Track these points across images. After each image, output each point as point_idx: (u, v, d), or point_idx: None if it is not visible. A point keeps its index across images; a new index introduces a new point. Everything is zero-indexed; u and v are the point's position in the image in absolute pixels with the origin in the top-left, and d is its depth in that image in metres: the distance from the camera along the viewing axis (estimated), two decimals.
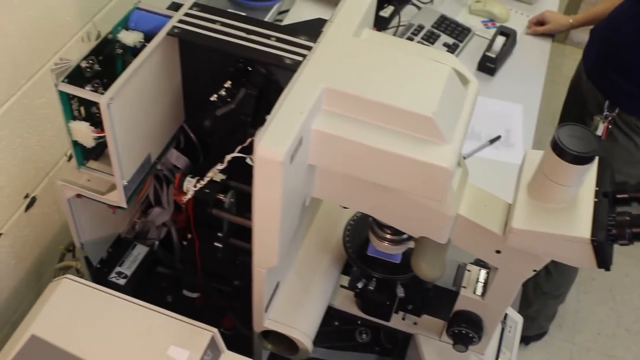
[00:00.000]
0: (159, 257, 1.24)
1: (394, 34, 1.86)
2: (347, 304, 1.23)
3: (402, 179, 0.88)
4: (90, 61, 0.91)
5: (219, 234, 1.02)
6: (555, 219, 0.91)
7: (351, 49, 0.93)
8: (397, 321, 1.23)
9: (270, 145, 0.79)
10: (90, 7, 1.27)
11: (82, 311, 0.95)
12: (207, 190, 0.96)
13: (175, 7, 1.09)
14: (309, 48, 0.92)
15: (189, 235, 1.25)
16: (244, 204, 1.03)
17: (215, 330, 0.93)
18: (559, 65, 1.91)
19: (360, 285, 1.16)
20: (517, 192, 0.94)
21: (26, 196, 1.26)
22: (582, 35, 2.66)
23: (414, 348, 1.24)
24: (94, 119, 0.96)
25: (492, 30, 1.96)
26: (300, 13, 1.00)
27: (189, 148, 1.12)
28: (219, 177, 0.94)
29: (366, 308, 1.22)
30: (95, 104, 0.93)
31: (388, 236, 1.08)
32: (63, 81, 0.87)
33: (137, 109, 0.92)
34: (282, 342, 1.10)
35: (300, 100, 0.85)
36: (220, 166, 0.91)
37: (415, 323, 1.23)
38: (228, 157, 0.89)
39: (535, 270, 1.01)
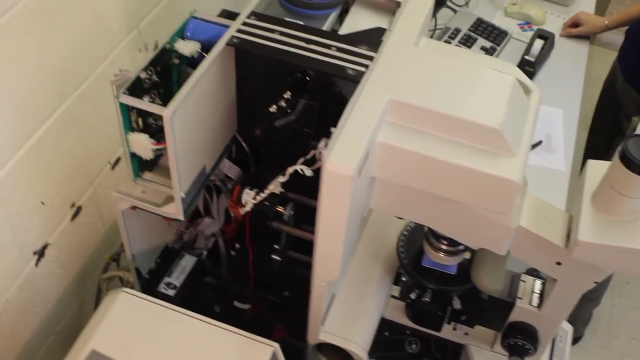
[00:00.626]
0: (206, 267, 1.22)
1: (431, 38, 1.84)
2: (397, 313, 1.22)
3: (468, 192, 0.86)
4: (149, 72, 0.90)
5: (276, 246, 1.00)
6: (623, 231, 0.89)
7: (413, 59, 0.91)
8: (448, 331, 1.21)
9: (340, 159, 0.78)
10: (136, 13, 1.26)
11: (140, 325, 0.94)
12: (266, 203, 0.94)
13: (226, 14, 1.08)
14: (370, 58, 0.90)
15: (237, 245, 1.24)
16: (301, 215, 1.02)
17: (276, 345, 0.92)
18: (587, 66, 1.88)
19: (413, 296, 1.14)
20: (581, 204, 0.92)
21: (72, 205, 1.25)
22: (611, 36, 2.63)
23: (465, 359, 1.22)
24: (150, 130, 0.95)
25: (529, 33, 1.94)
26: (356, 21, 0.98)
27: (240, 157, 1.11)
28: (277, 188, 0.92)
29: (417, 318, 1.20)
30: (152, 115, 0.92)
31: (444, 247, 1.07)
32: (124, 93, 0.86)
33: (196, 120, 0.91)
34: (336, 354, 1.08)
35: (366, 113, 0.83)
36: (281, 178, 0.89)
37: (466, 333, 1.21)
38: (290, 170, 0.88)
39: (596, 282, 1.00)
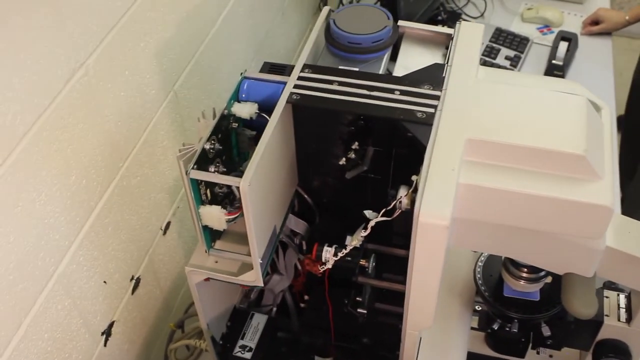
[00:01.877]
0: (277, 323, 1.20)
1: None
2: (477, 344, 1.19)
3: (557, 222, 0.83)
4: (212, 141, 0.88)
5: (359, 299, 0.98)
6: None
7: (479, 93, 0.89)
8: (532, 356, 1.18)
9: (433, 209, 0.76)
10: (169, 76, 1.24)
11: None
12: (348, 258, 0.92)
13: (269, 67, 1.06)
14: (436, 97, 0.88)
15: (306, 297, 1.21)
16: (381, 264, 1.00)
17: None
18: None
19: (495, 326, 1.11)
20: None
21: (132, 278, 1.23)
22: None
23: None
24: (217, 199, 0.93)
25: (550, 36, 1.92)
26: (409, 59, 0.96)
27: (303, 210, 1.08)
28: (358, 242, 0.89)
29: (500, 347, 1.17)
30: (219, 183, 0.90)
31: (525, 275, 1.04)
32: (193, 168, 0.84)
33: (266, 184, 0.88)
34: None
35: (446, 156, 0.81)
36: (363, 232, 0.87)
37: (550, 356, 1.18)
38: (372, 223, 0.85)
39: None
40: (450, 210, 0.75)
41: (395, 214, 0.86)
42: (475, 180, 0.81)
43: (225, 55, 1.47)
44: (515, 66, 1.84)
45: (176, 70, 1.26)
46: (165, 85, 1.23)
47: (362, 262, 0.92)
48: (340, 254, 0.91)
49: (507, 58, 1.85)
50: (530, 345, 1.15)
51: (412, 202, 0.84)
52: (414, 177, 0.82)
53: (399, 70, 0.98)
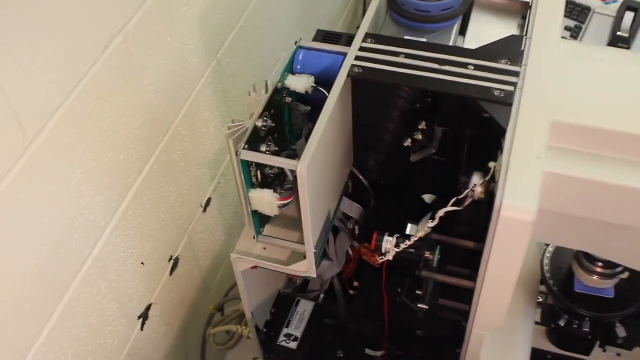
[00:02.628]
0: (324, 311, 1.12)
1: None
2: (537, 339, 1.10)
3: None
4: (265, 118, 0.79)
5: (419, 292, 0.89)
6: None
7: (564, 69, 0.79)
8: (598, 353, 1.10)
9: (517, 202, 0.66)
10: (213, 43, 1.15)
11: None
12: (412, 250, 0.83)
13: (324, 35, 0.97)
14: (516, 74, 0.78)
15: (356, 284, 1.13)
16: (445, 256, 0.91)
17: None
18: None
19: (562, 322, 1.02)
20: None
21: (170, 259, 1.16)
22: None
23: None
24: (268, 181, 0.84)
25: (614, 6, 1.79)
26: (481, 30, 0.86)
27: (357, 193, 1.00)
28: (424, 233, 0.81)
29: (564, 344, 1.09)
30: (267, 165, 0.82)
31: (599, 270, 0.95)
32: (244, 148, 0.75)
33: (323, 166, 0.80)
34: None
35: (529, 141, 0.71)
36: (431, 223, 0.78)
37: (618, 354, 1.09)
38: (441, 213, 0.76)
39: None
40: (536, 204, 0.66)
41: (466, 203, 0.77)
42: (563, 170, 0.72)
43: (270, 21, 1.38)
44: (575, 37, 1.73)
45: (220, 37, 1.18)
46: (209, 53, 1.14)
47: (427, 254, 0.84)
48: (403, 246, 0.82)
49: (567, 29, 1.73)
50: (598, 343, 1.06)
51: (487, 191, 0.75)
52: (491, 164, 0.73)
53: (471, 43, 0.89)
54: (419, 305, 0.87)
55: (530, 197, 0.67)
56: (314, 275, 0.85)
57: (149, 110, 0.99)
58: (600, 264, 0.94)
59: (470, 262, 0.85)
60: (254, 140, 0.78)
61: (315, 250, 0.84)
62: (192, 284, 1.26)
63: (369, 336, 1.10)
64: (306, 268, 0.84)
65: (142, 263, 1.06)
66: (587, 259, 0.94)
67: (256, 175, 0.81)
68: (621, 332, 0.99)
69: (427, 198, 0.97)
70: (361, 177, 0.97)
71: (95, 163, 0.89)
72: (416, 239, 0.80)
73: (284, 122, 0.87)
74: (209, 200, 1.25)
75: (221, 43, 1.18)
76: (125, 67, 0.91)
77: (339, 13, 1.87)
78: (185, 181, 1.15)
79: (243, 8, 1.23)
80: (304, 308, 1.10)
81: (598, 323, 0.98)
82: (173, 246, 1.16)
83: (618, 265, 0.93)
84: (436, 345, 1.04)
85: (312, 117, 0.88)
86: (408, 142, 0.83)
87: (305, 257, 0.86)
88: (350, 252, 1.06)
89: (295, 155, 0.82)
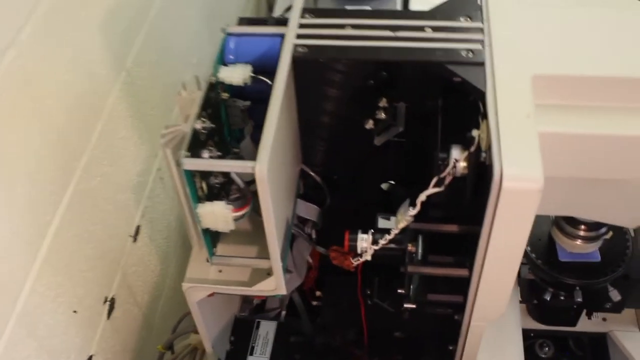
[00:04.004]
0: (289, 328, 1.01)
1: None
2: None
3: None
4: (203, 119, 0.68)
5: (401, 291, 0.79)
6: None
7: (531, 20, 0.71)
8: (584, 323, 1.03)
9: (520, 170, 0.57)
10: (119, 53, 1.02)
11: None
12: (393, 245, 0.73)
13: (247, 22, 0.86)
14: (479, 31, 0.70)
15: (318, 293, 1.03)
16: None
17: None
18: None
19: (547, 296, 0.95)
20: None
21: (105, 300, 1.01)
22: None
23: (612, 348, 1.04)
24: (214, 193, 0.72)
25: None
26: None
27: (309, 192, 0.89)
28: (404, 224, 0.71)
29: (547, 318, 1.02)
30: (213, 173, 0.70)
31: (582, 233, 0.88)
32: (186, 156, 0.63)
33: (279, 166, 0.69)
34: None
35: (515, 101, 0.63)
36: (412, 210, 0.68)
37: (604, 319, 1.03)
38: (422, 197, 0.67)
39: None
40: (541, 169, 0.57)
41: (447, 182, 0.68)
42: (556, 127, 0.64)
43: (176, 24, 1.25)
44: None
45: (126, 45, 1.04)
46: (116, 64, 1.01)
47: (410, 247, 0.74)
48: (382, 242, 0.72)
49: None
50: (585, 311, 1.00)
51: (472, 164, 0.66)
52: (474, 132, 0.64)
53: (417, 5, 0.79)
54: (405, 306, 0.77)
55: (534, 162, 0.58)
56: (284, 291, 0.74)
57: (59, 134, 0.85)
58: (582, 227, 0.87)
59: (453, 248, 0.76)
60: (195, 146, 0.66)
61: (281, 263, 0.72)
62: (133, 324, 1.12)
63: (340, 348, 0.99)
64: (274, 285, 0.73)
65: (75, 311, 0.92)
66: (569, 224, 0.87)
67: (201, 187, 0.69)
68: (615, 295, 0.92)
69: (386, 186, 0.88)
70: (312, 174, 0.86)
71: (2, 203, 0.74)
72: (397, 231, 0.70)
73: (222, 122, 0.75)
74: (138, 227, 1.11)
75: (128, 51, 1.05)
76: (22, 86, 0.76)
77: (245, 5, 1.76)
78: (110, 210, 1.01)
79: (146, 11, 1.10)
80: (266, 329, 0.99)
81: (588, 290, 0.91)
82: (106, 285, 1.02)
83: (601, 226, 0.87)
84: (420, 345, 0.94)
85: (253, 113, 0.77)
86: (370, 124, 0.73)
87: (268, 274, 0.75)
88: (310, 260, 0.95)
89: (241, 159, 0.71)
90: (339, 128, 0.78)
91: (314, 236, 0.90)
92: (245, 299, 1.02)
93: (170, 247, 1.27)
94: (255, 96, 0.75)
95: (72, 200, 0.89)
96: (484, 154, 0.62)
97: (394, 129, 0.72)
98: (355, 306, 0.98)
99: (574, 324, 1.01)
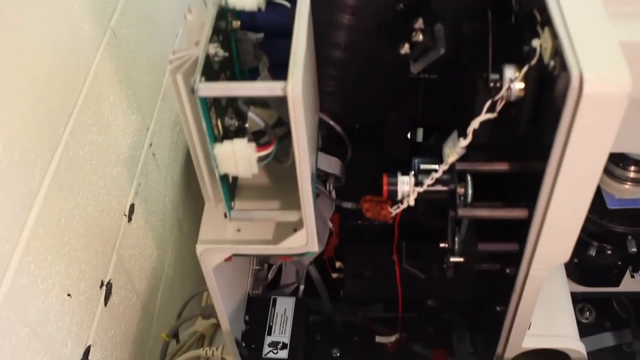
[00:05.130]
0: (310, 304, 0.91)
1: None
2: None
3: None
4: (216, 44, 0.58)
5: (444, 245, 0.69)
6: None
7: None
8: (627, 282, 0.95)
9: (602, 73, 0.48)
10: (103, 7, 0.92)
11: None
12: (438, 188, 0.63)
13: None
14: None
15: (338, 264, 0.93)
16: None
17: None
18: None
19: (592, 252, 0.86)
20: None
21: (101, 284, 0.91)
22: None
23: None
24: (229, 137, 0.63)
25: None
26: None
27: (327, 145, 0.80)
28: (454, 158, 0.61)
29: (589, 278, 0.93)
30: (227, 113, 0.61)
31: (632, 174, 0.79)
32: (201, 81, 0.53)
33: (307, 100, 0.59)
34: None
35: (582, 4, 0.54)
36: (463, 141, 0.59)
37: None
38: (474, 124, 0.57)
39: None
40: (627, 69, 0.49)
41: (498, 108, 0.59)
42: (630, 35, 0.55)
43: None
44: None
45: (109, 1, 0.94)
46: (101, 20, 0.91)
47: (460, 188, 0.64)
48: (428, 181, 0.62)
49: None
50: (631, 268, 0.91)
51: (529, 85, 0.57)
52: (535, 42, 0.55)
53: None
54: (451, 260, 0.68)
55: (617, 62, 0.49)
56: (316, 247, 0.64)
57: (41, 93, 0.75)
58: (633, 168, 0.78)
59: (498, 192, 0.67)
60: (210, 73, 0.56)
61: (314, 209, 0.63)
62: (131, 312, 1.01)
63: (364, 325, 0.90)
64: (304, 239, 0.63)
65: (69, 294, 0.81)
66: (618, 166, 0.78)
67: (217, 126, 0.59)
68: None
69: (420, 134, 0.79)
70: (332, 123, 0.77)
71: None
72: (446, 167, 0.61)
73: (233, 58, 0.65)
74: (132, 206, 1.01)
75: (112, 8, 0.94)
76: None
77: None
78: (101, 184, 0.91)
79: None
80: (284, 307, 0.89)
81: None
82: (102, 268, 0.91)
83: None
84: (457, 314, 0.85)
85: (266, 49, 0.67)
86: (405, 49, 0.64)
87: (295, 230, 0.65)
88: (330, 224, 0.86)
89: (253, 102, 0.61)
90: (362, 65, 0.69)
91: (334, 195, 0.81)
92: (257, 277, 0.92)
93: (166, 232, 1.16)
94: (269, 29, 0.66)
95: (59, 168, 0.78)
96: (553, 63, 0.52)
97: (434, 53, 0.62)
98: (381, 277, 0.89)
99: (617, 284, 0.93)
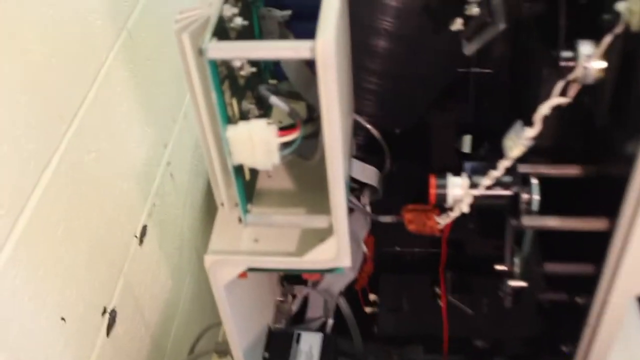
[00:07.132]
0: (339, 342, 0.79)
1: None
2: None
3: None
4: (233, 7, 0.48)
5: (499, 267, 0.58)
6: None
7: None
8: None
9: None
10: (119, 4, 0.84)
11: None
12: (497, 192, 0.52)
13: None
14: None
15: (372, 297, 0.82)
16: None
17: None
18: None
19: None
20: None
21: (104, 311, 0.80)
22: None
23: None
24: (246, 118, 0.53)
25: None
26: None
27: (360, 153, 0.69)
28: (519, 152, 0.50)
29: None
30: (245, 95, 0.51)
31: None
32: (211, 40, 0.44)
33: (341, 74, 0.49)
34: None
35: None
36: (530, 131, 0.48)
37: None
38: (544, 110, 0.47)
39: None
40: None
41: (571, 93, 0.48)
42: None
43: None
44: None
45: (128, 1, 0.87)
46: (116, 18, 0.83)
47: (525, 194, 0.52)
48: (486, 182, 0.51)
49: None
50: None
51: (612, 63, 0.46)
52: (621, 5, 0.44)
53: None
54: (509, 284, 0.56)
55: None
56: (348, 262, 0.53)
57: (41, 85, 0.66)
58: None
59: (567, 201, 0.56)
60: (223, 37, 0.46)
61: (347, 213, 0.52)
62: (140, 346, 0.90)
63: None
64: (335, 251, 0.52)
65: (63, 318, 0.71)
66: None
67: (231, 105, 0.49)
68: None
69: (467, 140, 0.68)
70: (368, 126, 0.67)
71: None
72: (508, 164, 0.50)
73: (255, 35, 0.56)
74: (145, 228, 0.91)
75: (131, 7, 0.87)
76: None
77: None
78: (109, 196, 0.81)
79: None
80: (309, 343, 0.77)
81: None
82: (105, 293, 0.81)
83: None
84: (513, 354, 0.73)
85: (295, 30, 0.58)
86: (457, 24, 0.53)
87: (321, 240, 0.54)
88: (364, 248, 0.75)
89: (277, 92, 0.52)
90: (405, 55, 0.59)
91: (369, 211, 0.70)
92: (280, 308, 0.81)
93: (184, 261, 1.06)
94: (298, 7, 0.57)
95: (59, 171, 0.69)
96: None
97: (492, 29, 0.52)
98: (421, 312, 0.77)
99: None
